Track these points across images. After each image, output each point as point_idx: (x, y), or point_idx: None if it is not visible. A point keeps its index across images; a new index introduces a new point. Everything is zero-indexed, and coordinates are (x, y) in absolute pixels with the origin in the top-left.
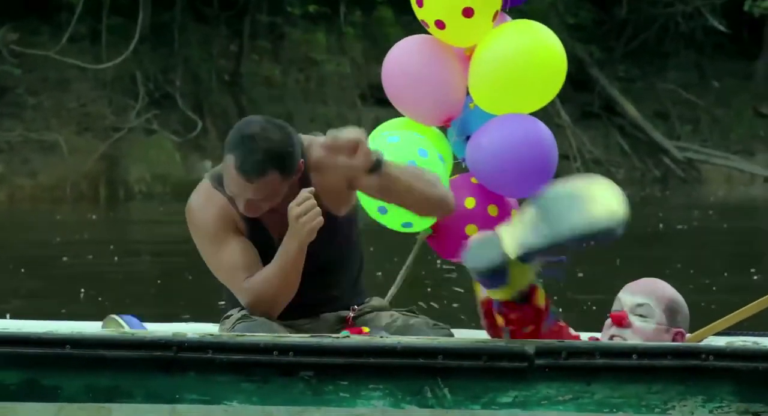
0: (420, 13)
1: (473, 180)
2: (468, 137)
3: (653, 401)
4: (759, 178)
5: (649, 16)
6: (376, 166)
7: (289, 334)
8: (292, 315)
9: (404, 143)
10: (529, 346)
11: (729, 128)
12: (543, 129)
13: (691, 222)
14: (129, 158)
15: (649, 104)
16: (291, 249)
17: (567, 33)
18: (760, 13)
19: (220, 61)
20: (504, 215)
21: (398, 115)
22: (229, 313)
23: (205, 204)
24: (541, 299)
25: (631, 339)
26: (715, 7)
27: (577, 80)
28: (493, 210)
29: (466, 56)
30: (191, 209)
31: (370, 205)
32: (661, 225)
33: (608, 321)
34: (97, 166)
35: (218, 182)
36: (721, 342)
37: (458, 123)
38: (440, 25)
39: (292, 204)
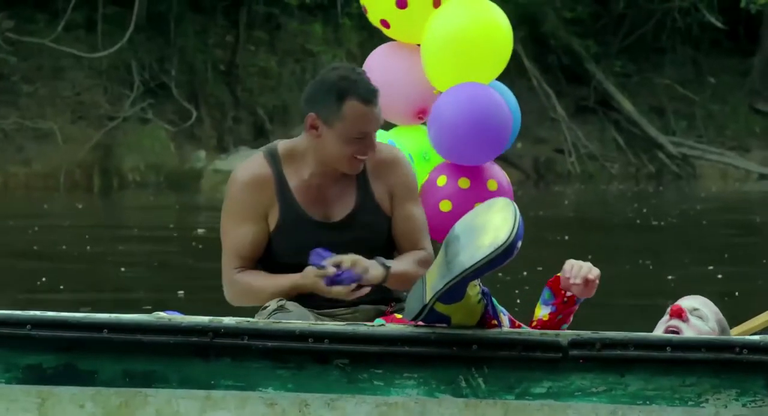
0: (370, 19)
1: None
2: None
3: (687, 394)
4: (753, 174)
5: (647, 11)
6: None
7: (324, 322)
8: (332, 303)
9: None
10: (563, 337)
11: (724, 124)
12: (491, 93)
13: (683, 216)
14: (123, 147)
15: (645, 99)
16: (294, 287)
17: (564, 27)
18: (757, 9)
19: (215, 52)
20: (477, 184)
21: None
22: (266, 305)
23: (248, 179)
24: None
25: (687, 332)
26: (712, 3)
27: (573, 74)
28: (464, 183)
29: None
30: (234, 178)
31: None
32: (652, 219)
33: (665, 317)
34: (91, 155)
35: (272, 157)
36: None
37: (429, 113)
38: (385, 24)
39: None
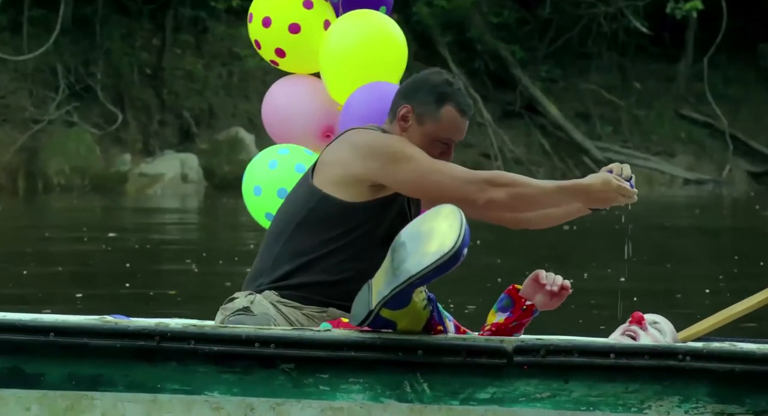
0: (264, 55)
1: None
2: None
3: (630, 400)
4: (679, 179)
5: (573, 17)
6: None
7: (271, 327)
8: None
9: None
10: (508, 343)
11: (650, 129)
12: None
13: (599, 219)
14: (48, 150)
15: (571, 104)
16: (575, 195)
17: (490, 32)
18: (682, 15)
19: (141, 55)
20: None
21: None
22: (235, 295)
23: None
24: (449, 325)
25: (643, 340)
26: (638, 8)
27: (499, 79)
28: None
29: None
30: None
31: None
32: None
33: (625, 324)
34: (16, 158)
35: None
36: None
37: (336, 131)
38: (281, 53)
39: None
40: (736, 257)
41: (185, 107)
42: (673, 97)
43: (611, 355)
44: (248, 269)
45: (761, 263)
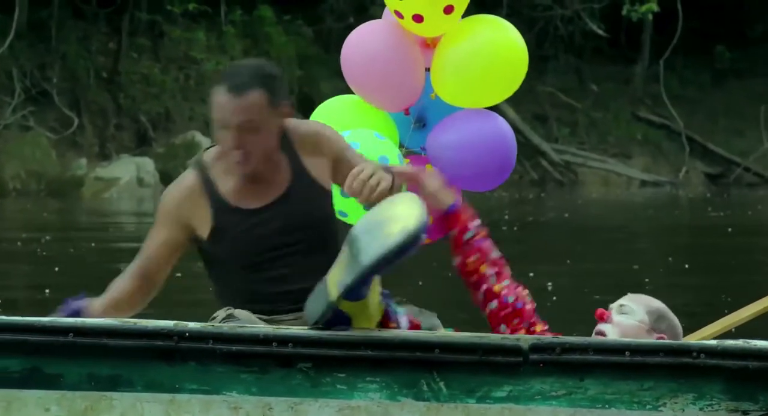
0: (396, 5)
1: (428, 167)
2: (424, 124)
3: (645, 397)
4: (636, 181)
5: (529, 19)
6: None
7: (289, 327)
8: (278, 305)
9: (365, 149)
10: (524, 341)
11: (607, 131)
12: (504, 126)
13: (559, 221)
14: (4, 154)
15: (528, 107)
16: None
17: None
18: (638, 17)
19: (98, 59)
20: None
21: None
22: (214, 315)
23: (174, 187)
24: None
25: (610, 332)
26: (594, 11)
27: None
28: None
29: (426, 44)
30: (162, 195)
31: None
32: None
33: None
34: None
35: (197, 165)
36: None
37: (416, 111)
38: (418, 19)
39: None
40: (681, 255)
41: (142, 110)
42: (630, 99)
43: (626, 353)
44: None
45: (710, 259)
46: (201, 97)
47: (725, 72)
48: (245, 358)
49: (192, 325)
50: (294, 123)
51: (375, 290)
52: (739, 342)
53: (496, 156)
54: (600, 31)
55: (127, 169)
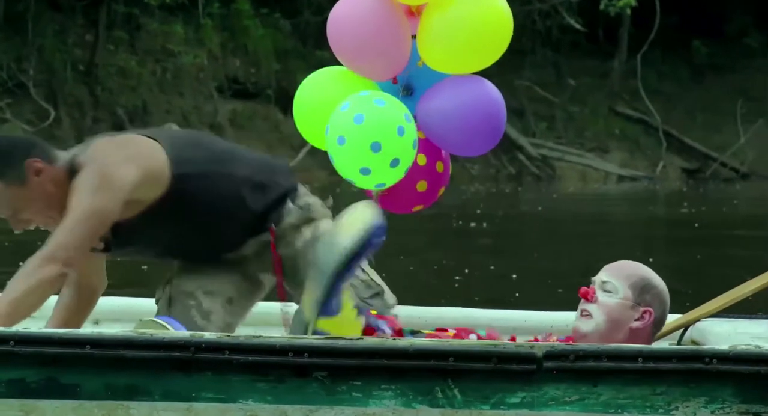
0: None
1: (420, 135)
2: (412, 92)
3: (657, 402)
4: (613, 176)
5: None
6: None
7: (305, 336)
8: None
9: (390, 108)
10: (539, 349)
11: (584, 125)
12: (493, 90)
13: (532, 214)
14: None
15: (505, 101)
16: None
17: None
18: (616, 12)
19: (75, 51)
20: (446, 170)
21: (252, 109)
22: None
23: None
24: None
25: (595, 313)
26: (572, 5)
27: None
28: (440, 166)
29: (411, 12)
30: None
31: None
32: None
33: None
34: None
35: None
36: (719, 327)
37: (404, 80)
38: None
39: None
40: (648, 249)
41: (119, 103)
42: (608, 94)
43: (639, 359)
44: None
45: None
46: (178, 90)
47: (703, 67)
48: (261, 368)
49: (208, 336)
50: (86, 157)
51: (348, 305)
52: (751, 347)
53: (486, 120)
54: (578, 26)
55: None
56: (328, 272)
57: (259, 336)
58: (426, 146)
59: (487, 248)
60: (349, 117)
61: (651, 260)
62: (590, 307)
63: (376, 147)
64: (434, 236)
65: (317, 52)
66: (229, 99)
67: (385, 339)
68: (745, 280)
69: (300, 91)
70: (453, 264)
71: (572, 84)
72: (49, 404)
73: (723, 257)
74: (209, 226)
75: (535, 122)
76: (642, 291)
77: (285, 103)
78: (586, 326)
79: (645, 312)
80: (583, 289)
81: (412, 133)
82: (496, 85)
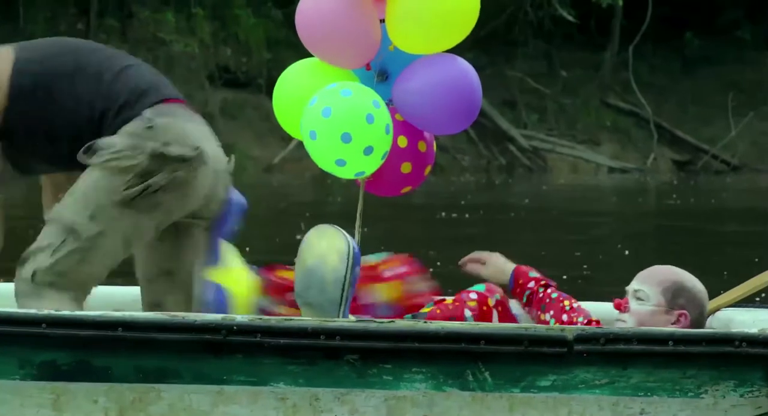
0: None
1: (398, 117)
2: (387, 77)
3: (687, 385)
4: (604, 168)
5: (499, 4)
6: None
7: (336, 319)
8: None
9: (357, 97)
10: (570, 332)
11: (576, 117)
12: (466, 66)
13: (520, 206)
14: None
15: (497, 92)
16: None
17: None
18: (608, 3)
19: None
20: (429, 149)
21: (243, 98)
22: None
23: None
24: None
25: (629, 322)
26: None
27: None
28: (422, 146)
29: None
30: None
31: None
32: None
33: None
34: None
35: None
36: (740, 316)
37: (378, 65)
38: None
39: None
40: (634, 241)
41: None
42: (599, 86)
43: (670, 342)
44: None
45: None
46: (169, 78)
47: (694, 59)
48: (293, 350)
49: (240, 318)
50: None
51: (234, 260)
52: None
53: (462, 96)
54: (570, 18)
55: None
56: (332, 310)
57: (291, 319)
58: (406, 127)
59: (470, 237)
60: (317, 111)
61: (627, 252)
62: (624, 317)
63: (346, 138)
64: (420, 226)
65: None
66: (220, 88)
67: (416, 322)
68: (733, 272)
69: (278, 85)
70: (434, 254)
71: (564, 76)
72: (80, 387)
73: (711, 249)
74: (55, 135)
75: (527, 114)
76: (675, 295)
77: None
78: None
79: (680, 315)
80: (617, 301)
81: (383, 118)
82: (488, 76)
